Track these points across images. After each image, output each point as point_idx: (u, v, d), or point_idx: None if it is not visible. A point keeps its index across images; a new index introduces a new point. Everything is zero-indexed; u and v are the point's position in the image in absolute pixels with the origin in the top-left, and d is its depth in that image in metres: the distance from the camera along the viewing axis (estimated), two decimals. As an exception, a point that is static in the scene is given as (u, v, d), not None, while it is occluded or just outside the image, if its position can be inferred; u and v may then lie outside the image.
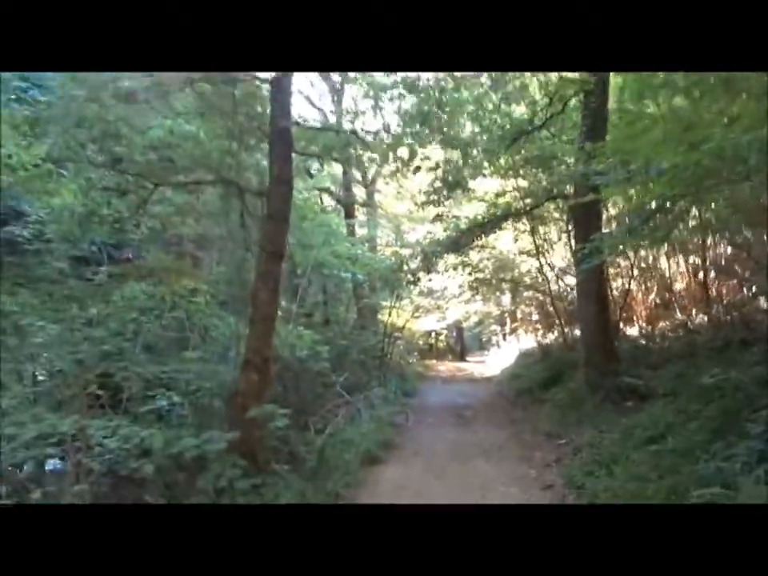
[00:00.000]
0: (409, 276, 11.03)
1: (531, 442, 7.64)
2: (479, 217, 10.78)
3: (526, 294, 18.76)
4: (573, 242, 12.07)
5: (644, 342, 10.46)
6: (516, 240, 16.77)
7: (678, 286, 12.32)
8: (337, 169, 19.12)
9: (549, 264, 13.23)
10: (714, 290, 11.38)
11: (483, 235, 11.04)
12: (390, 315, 16.80)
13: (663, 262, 12.86)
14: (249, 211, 7.22)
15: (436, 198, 10.01)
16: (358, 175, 20.78)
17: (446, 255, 11.83)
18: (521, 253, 14.08)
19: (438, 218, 10.61)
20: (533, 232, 13.03)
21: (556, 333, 17.33)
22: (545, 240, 13.20)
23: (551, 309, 16.89)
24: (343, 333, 12.69)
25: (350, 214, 17.77)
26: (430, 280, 11.51)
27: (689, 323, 10.87)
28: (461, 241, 10.90)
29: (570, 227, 10.52)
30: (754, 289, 10.24)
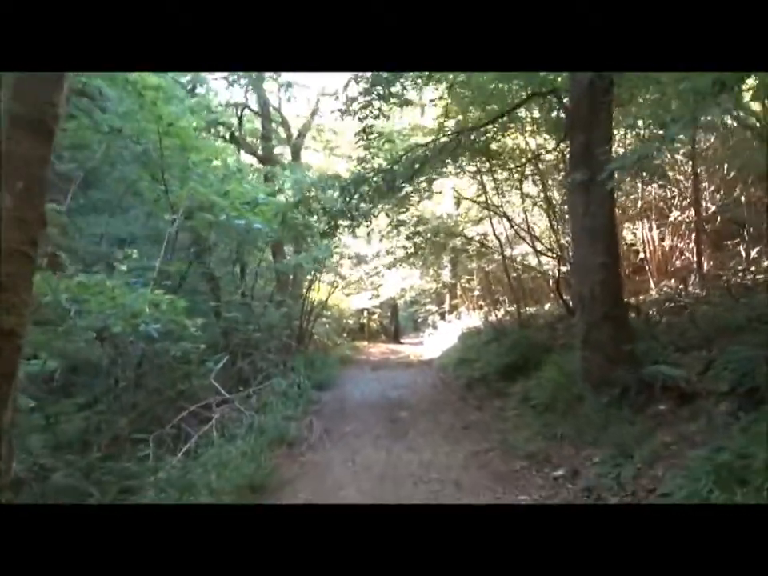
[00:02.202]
0: (323, 225, 7.60)
1: (504, 471, 4.51)
2: (420, 146, 7.48)
3: (470, 265, 15.89)
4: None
5: (635, 315, 7.59)
6: (458, 200, 13.81)
7: (648, 250, 9.68)
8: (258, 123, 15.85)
9: (504, 216, 10.19)
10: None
11: (424, 172, 7.78)
12: (310, 287, 13.45)
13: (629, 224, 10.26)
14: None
15: (363, 104, 6.61)
16: (282, 132, 17.42)
17: (377, 203, 8.51)
18: (473, 202, 10.96)
19: (364, 135, 7.09)
20: (484, 174, 9.92)
21: (503, 309, 14.62)
22: (499, 185, 10.09)
23: (504, 278, 14.09)
24: (244, 303, 9.13)
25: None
26: (352, 232, 8.15)
27: (683, 291, 8.18)
28: (395, 177, 7.61)
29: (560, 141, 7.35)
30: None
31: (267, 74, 14.79)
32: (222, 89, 15.80)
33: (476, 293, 17.19)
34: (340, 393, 8.49)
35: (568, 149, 5.84)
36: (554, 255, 9.87)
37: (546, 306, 12.19)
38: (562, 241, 10.04)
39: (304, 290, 13.54)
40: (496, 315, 14.06)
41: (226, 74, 13.07)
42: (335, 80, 21.39)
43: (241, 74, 13.29)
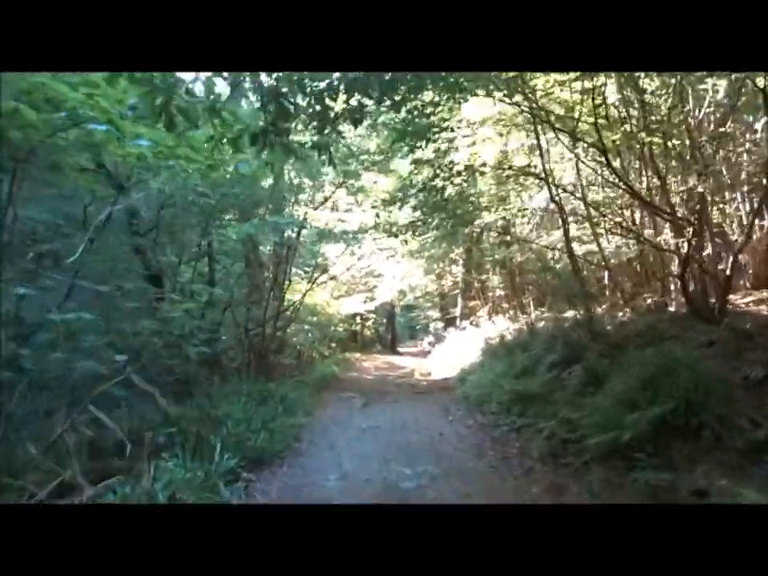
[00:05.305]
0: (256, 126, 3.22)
1: None
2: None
3: (495, 255, 11.48)
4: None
5: None
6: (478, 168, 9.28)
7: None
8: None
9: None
10: None
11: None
12: (276, 278, 9.03)
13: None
14: None
15: None
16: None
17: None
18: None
19: None
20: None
21: (534, 312, 10.23)
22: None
23: (534, 271, 9.69)
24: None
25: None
26: (328, 159, 3.83)
27: None
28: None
29: None
30: None
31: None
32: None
33: (498, 292, 12.79)
34: (294, 483, 3.85)
35: None
36: (687, 221, 5.49)
37: (599, 308, 7.84)
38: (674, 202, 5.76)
39: (283, 287, 9.14)
40: (531, 320, 9.72)
41: None
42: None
43: None
